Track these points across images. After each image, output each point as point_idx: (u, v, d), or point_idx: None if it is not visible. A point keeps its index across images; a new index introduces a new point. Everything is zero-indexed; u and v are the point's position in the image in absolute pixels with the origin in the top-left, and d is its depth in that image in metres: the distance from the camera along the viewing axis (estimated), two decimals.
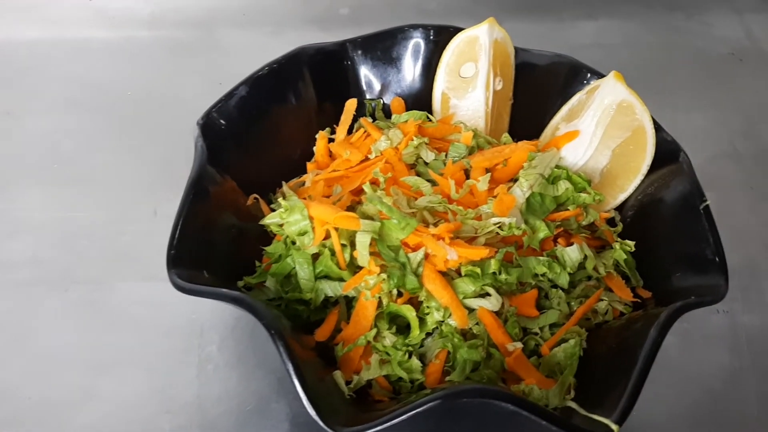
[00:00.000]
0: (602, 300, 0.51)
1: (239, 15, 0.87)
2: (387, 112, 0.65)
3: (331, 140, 0.61)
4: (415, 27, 0.64)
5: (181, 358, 0.55)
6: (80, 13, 0.86)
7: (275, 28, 0.85)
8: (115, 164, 0.69)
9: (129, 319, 0.57)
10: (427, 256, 0.48)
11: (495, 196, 0.53)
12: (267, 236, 0.55)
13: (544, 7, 0.87)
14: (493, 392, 0.40)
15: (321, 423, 0.40)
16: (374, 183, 0.54)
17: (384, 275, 0.46)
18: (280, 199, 0.51)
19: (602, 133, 0.55)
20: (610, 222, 0.56)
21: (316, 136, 0.62)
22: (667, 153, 0.54)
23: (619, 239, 0.54)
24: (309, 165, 0.60)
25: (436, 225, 0.50)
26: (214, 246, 0.51)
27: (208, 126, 0.55)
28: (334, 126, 0.63)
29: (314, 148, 0.62)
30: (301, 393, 0.40)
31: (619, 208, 0.57)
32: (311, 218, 0.50)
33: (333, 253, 0.49)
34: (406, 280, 0.47)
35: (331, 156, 0.60)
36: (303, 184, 0.59)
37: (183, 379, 0.54)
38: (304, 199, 0.52)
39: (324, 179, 0.57)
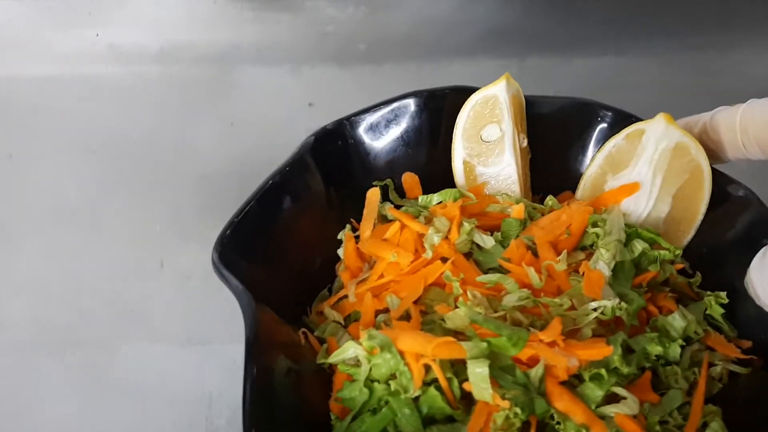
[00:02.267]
0: (716, 364, 0.47)
1: (253, 51, 0.79)
2: (399, 192, 0.58)
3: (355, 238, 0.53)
4: (416, 94, 0.57)
5: (187, 431, 0.51)
6: (87, 48, 0.79)
7: (291, 65, 0.77)
8: (122, 212, 0.66)
9: (133, 386, 0.54)
10: (546, 369, 0.41)
11: (574, 273, 0.48)
12: (322, 375, 0.47)
13: (568, 44, 0.81)
14: None
15: None
16: (439, 285, 0.47)
17: (516, 409, 0.39)
18: (363, 338, 0.42)
19: (661, 181, 0.51)
20: (684, 273, 0.52)
21: (339, 236, 0.53)
22: (725, 191, 0.52)
23: (700, 290, 0.51)
24: (342, 274, 0.52)
25: (534, 327, 0.44)
26: (281, 402, 0.42)
27: (223, 257, 0.46)
28: (352, 221, 0.55)
29: (339, 252, 0.53)
30: None
31: (683, 257, 0.53)
32: (401, 353, 0.42)
33: (440, 390, 0.41)
34: (534, 404, 0.40)
35: (363, 258, 0.52)
36: (342, 298, 0.51)
37: None
38: (385, 328, 0.43)
39: (371, 289, 0.49)
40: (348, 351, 0.44)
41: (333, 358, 0.45)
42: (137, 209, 0.66)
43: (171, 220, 0.63)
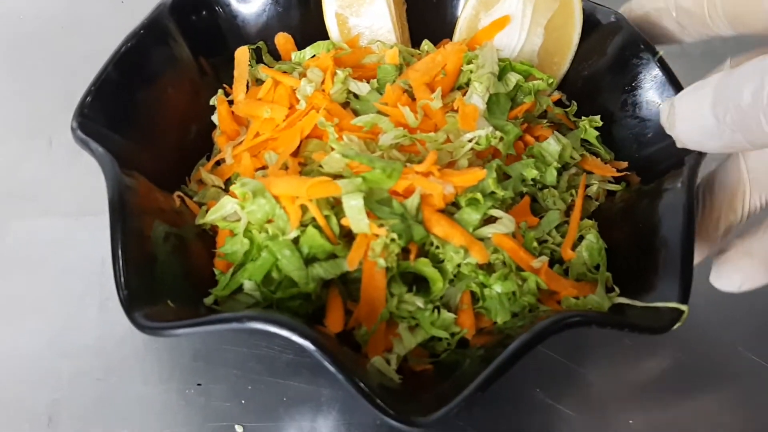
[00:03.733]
0: (592, 184, 0.48)
1: None
2: (274, 55, 0.56)
3: (229, 102, 0.52)
4: None
5: (81, 298, 0.50)
6: None
7: None
8: (9, 93, 0.64)
9: (24, 259, 0.52)
10: (422, 199, 0.41)
11: (451, 111, 0.48)
12: (206, 238, 0.46)
13: None
14: (592, 317, 0.36)
15: (405, 427, 0.34)
16: (317, 137, 0.46)
17: (393, 234, 0.39)
18: (235, 186, 0.41)
19: (531, 12, 0.51)
20: (560, 104, 0.53)
21: (212, 102, 0.51)
22: (595, 19, 0.52)
23: (576, 119, 0.52)
24: (218, 139, 0.50)
25: (411, 163, 0.44)
26: (163, 267, 0.41)
27: (84, 126, 0.43)
28: (225, 87, 0.52)
29: (213, 118, 0.51)
30: (375, 407, 0.33)
31: (560, 88, 0.54)
32: (277, 198, 0.41)
33: (319, 228, 0.41)
34: (413, 231, 0.41)
35: (239, 122, 0.51)
36: (220, 162, 0.49)
37: (82, 320, 0.49)
38: (261, 177, 0.43)
39: (248, 149, 0.48)
40: (226, 207, 0.43)
41: (210, 216, 0.44)
42: (26, 89, 0.64)
43: (60, 99, 0.59)
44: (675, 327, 0.37)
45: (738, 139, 0.35)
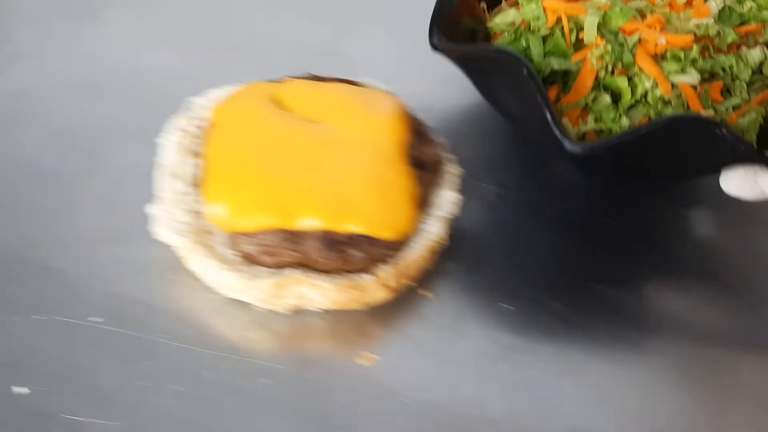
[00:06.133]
0: None
1: None
2: None
3: None
4: None
5: None
6: None
7: None
8: None
9: None
10: (640, 41, 0.59)
11: (691, 6, 0.64)
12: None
13: None
14: (707, 120, 0.52)
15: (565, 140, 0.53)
16: None
17: (608, 47, 0.58)
18: None
19: None
20: None
21: None
22: None
23: None
24: None
25: (643, 17, 0.62)
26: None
27: None
28: None
29: None
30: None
31: None
32: (544, 8, 0.62)
33: (562, 34, 0.61)
34: (623, 56, 0.59)
35: None
36: None
37: None
38: None
39: None
40: (509, 13, 0.65)
41: (500, 19, 0.65)
42: None
43: None
44: None
45: None
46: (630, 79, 0.60)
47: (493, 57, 0.58)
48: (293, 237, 0.51)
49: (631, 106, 0.60)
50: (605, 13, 0.60)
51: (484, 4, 0.68)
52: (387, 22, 0.76)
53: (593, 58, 0.59)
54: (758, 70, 0.62)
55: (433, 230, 0.55)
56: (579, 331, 0.56)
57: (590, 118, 0.59)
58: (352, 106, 0.57)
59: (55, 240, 0.56)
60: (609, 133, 0.59)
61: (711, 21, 0.62)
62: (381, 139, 0.55)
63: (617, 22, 0.60)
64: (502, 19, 0.65)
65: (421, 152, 0.57)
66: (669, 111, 0.58)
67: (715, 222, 0.67)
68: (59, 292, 0.54)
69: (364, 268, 0.52)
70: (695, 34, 0.61)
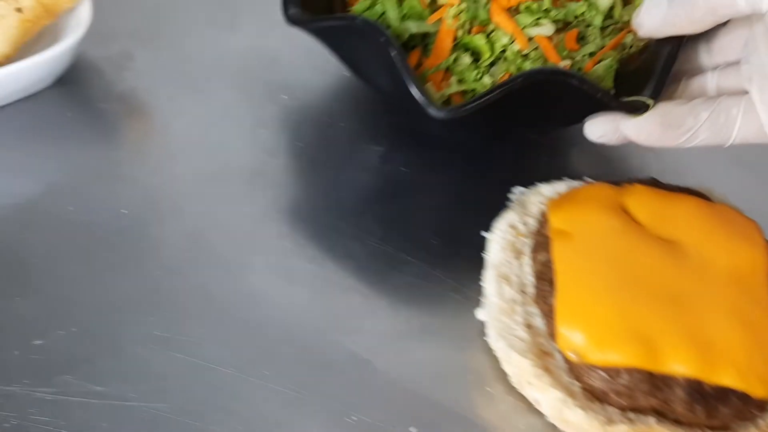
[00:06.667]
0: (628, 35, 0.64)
1: None
2: None
3: None
4: None
5: None
6: None
7: None
8: None
9: None
10: None
11: None
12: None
13: None
14: (564, 72, 0.52)
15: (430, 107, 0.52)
16: None
17: (463, 5, 0.58)
18: None
19: None
20: None
21: None
22: None
23: None
24: None
25: None
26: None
27: None
28: None
29: None
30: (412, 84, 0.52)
31: None
32: None
33: None
34: (479, 13, 0.58)
35: None
36: None
37: None
38: None
39: None
40: None
41: None
42: None
43: None
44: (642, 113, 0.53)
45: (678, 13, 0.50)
46: (488, 36, 0.59)
47: (348, 26, 0.56)
48: (656, 381, 0.44)
49: (492, 64, 0.60)
50: None
51: None
52: None
53: (449, 18, 0.58)
54: (609, 15, 0.64)
55: None
56: None
57: (453, 80, 0.59)
58: (710, 226, 0.50)
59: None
60: (473, 93, 0.59)
61: None
62: (744, 271, 0.48)
63: None
64: None
65: None
66: (528, 65, 0.58)
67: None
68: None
69: (725, 426, 0.45)
70: None
